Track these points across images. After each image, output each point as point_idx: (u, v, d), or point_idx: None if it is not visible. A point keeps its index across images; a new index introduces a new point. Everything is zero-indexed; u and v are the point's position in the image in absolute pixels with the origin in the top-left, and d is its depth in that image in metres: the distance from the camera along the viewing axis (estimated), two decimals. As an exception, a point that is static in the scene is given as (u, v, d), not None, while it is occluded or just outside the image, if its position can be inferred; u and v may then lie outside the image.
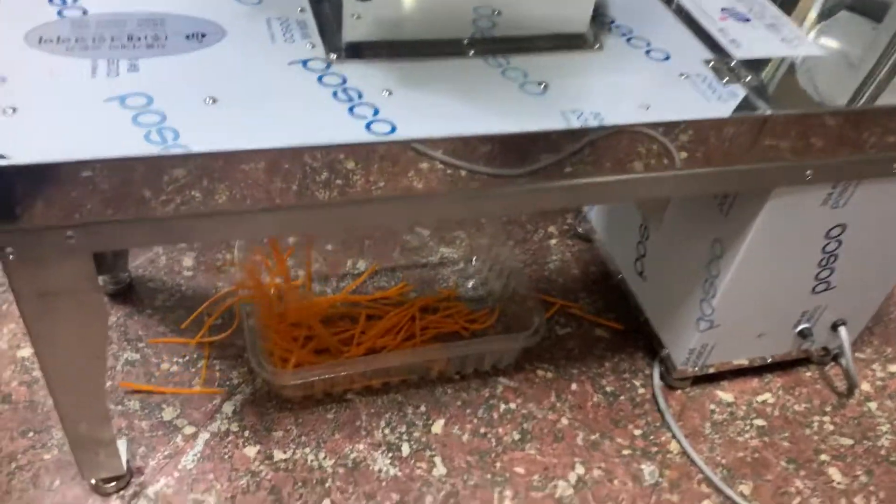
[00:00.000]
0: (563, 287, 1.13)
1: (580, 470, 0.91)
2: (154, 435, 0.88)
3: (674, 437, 0.95)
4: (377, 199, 0.64)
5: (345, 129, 0.60)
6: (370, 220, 0.71)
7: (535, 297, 0.99)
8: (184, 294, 1.04)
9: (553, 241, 1.20)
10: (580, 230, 1.20)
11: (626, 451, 0.93)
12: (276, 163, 0.59)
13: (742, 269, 0.85)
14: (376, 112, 0.61)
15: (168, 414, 0.90)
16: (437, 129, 0.61)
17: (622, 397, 0.99)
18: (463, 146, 0.62)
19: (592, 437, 0.94)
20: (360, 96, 0.62)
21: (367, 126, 0.60)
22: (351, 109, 0.61)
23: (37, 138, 0.55)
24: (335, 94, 0.63)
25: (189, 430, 0.89)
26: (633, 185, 0.72)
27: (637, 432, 0.96)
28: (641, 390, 1.01)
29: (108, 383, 0.92)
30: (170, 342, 0.98)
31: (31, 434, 0.87)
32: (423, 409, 0.95)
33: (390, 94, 0.63)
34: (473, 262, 1.13)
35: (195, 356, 0.96)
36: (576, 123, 0.63)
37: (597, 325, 1.08)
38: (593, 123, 0.64)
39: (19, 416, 0.88)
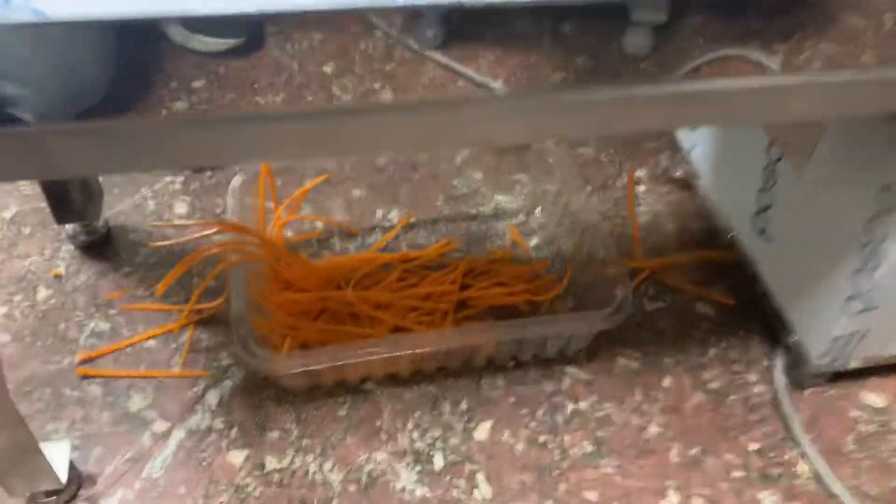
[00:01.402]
0: (655, 248, 0.88)
1: (674, 498, 0.67)
2: (116, 431, 0.68)
3: (803, 454, 0.70)
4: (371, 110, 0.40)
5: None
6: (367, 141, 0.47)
7: (618, 262, 0.74)
8: (172, 249, 0.83)
9: (642, 188, 0.94)
10: (678, 173, 0.94)
11: (736, 473, 0.69)
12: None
13: (925, 231, 0.59)
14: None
15: (136, 403, 0.70)
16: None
17: (732, 397, 0.74)
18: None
19: (691, 452, 0.70)
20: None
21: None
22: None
23: None
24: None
25: (160, 425, 0.69)
26: (778, 96, 0.47)
27: (752, 446, 0.71)
28: (758, 388, 0.75)
29: (67, 360, 0.73)
30: (147, 310, 0.77)
31: (-38, 425, 0.68)
32: (464, 406, 0.72)
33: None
34: (537, 214, 0.89)
35: (179, 329, 0.76)
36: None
37: (698, 298, 0.83)
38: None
39: (-47, 400, 0.70)
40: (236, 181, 0.77)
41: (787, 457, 0.70)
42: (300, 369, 0.67)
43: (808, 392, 0.75)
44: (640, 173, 0.96)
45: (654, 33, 0.46)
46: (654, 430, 0.71)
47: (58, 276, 0.79)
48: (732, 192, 0.83)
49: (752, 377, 0.76)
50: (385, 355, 0.68)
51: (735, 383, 0.75)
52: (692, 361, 0.77)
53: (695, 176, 0.91)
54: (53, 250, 0.82)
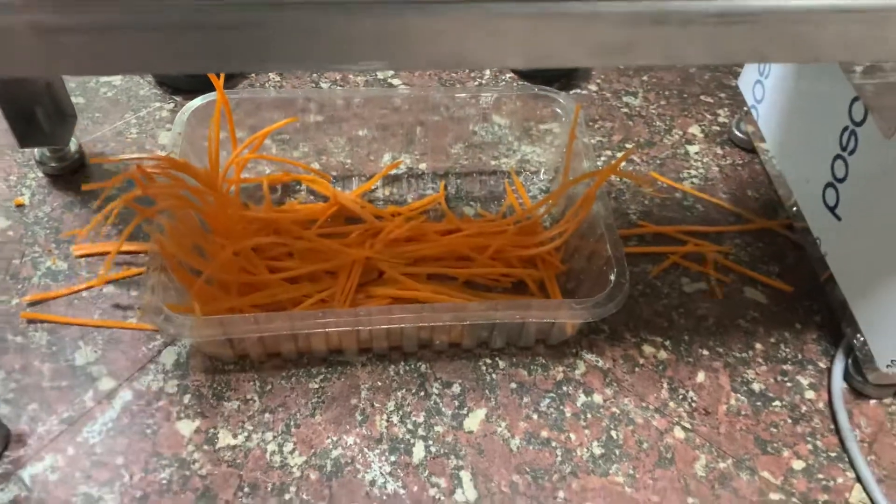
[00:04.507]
0: (702, 219, 0.75)
1: (695, 520, 0.56)
2: (56, 386, 0.60)
3: (858, 478, 0.58)
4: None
5: None
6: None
7: (614, 235, 0.61)
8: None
9: (694, 148, 0.81)
10: (739, 132, 0.80)
11: (774, 495, 0.57)
12: None
13: None
14: None
15: (83, 356, 0.62)
16: None
17: (777, 403, 0.62)
18: None
19: (722, 465, 0.58)
20: None
21: None
22: None
23: None
24: None
25: (107, 383, 0.60)
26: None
27: (797, 465, 0.59)
28: (810, 394, 0.63)
29: (16, 301, 0.65)
30: (101, 254, 0.68)
31: None
32: (455, 388, 0.62)
33: None
34: (541, 174, 0.77)
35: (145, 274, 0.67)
36: None
37: (748, 281, 0.70)
38: None
39: None
40: (185, 110, 0.67)
41: (838, 480, 0.58)
42: (216, 337, 0.56)
43: (869, 403, 0.63)
44: (694, 130, 0.82)
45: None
46: (678, 434, 0.60)
47: (20, 206, 0.71)
48: (800, 159, 0.69)
49: (805, 380, 0.64)
50: (292, 332, 0.57)
51: (783, 386, 0.63)
52: (734, 356, 0.65)
53: (758, 137, 0.78)
54: (19, 176, 0.74)
